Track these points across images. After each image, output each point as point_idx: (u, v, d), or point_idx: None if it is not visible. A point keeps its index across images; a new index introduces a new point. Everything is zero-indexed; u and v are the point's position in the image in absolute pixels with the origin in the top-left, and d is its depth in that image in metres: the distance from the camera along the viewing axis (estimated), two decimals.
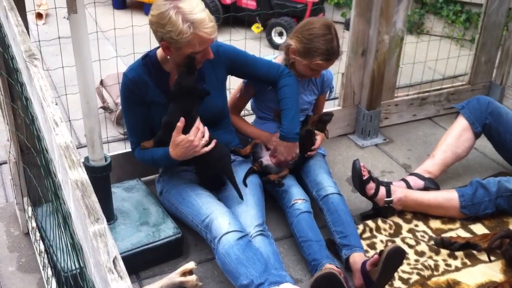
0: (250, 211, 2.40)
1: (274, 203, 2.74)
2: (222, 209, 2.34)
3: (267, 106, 2.83)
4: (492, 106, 2.98)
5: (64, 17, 2.13)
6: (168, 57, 2.34)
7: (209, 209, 2.33)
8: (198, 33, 2.19)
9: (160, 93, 2.41)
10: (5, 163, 3.02)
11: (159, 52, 2.42)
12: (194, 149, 2.29)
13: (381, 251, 2.25)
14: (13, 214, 2.70)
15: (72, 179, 0.81)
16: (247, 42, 3.30)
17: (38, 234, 2.30)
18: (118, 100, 3.45)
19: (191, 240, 2.57)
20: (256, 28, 4.86)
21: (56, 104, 0.96)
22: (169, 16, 2.16)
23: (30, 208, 2.45)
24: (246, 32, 4.59)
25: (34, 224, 2.38)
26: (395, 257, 2.24)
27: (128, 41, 3.19)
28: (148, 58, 2.43)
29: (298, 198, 2.56)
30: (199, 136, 2.29)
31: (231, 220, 2.26)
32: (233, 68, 2.56)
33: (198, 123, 2.31)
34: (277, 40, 4.81)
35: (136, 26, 3.07)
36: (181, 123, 2.26)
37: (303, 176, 2.74)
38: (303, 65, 2.64)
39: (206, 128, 2.35)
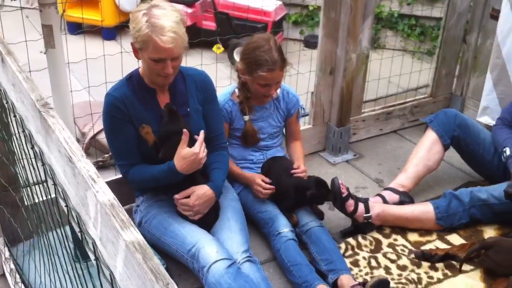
0: (235, 237, 2.39)
1: (251, 228, 2.71)
2: (208, 237, 2.31)
3: (232, 133, 2.84)
4: (460, 118, 3.07)
5: (41, 52, 2.07)
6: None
7: (194, 238, 2.30)
8: (153, 36, 2.19)
9: (147, 113, 2.39)
10: None
11: (141, 70, 2.41)
12: (199, 161, 2.33)
13: (365, 283, 2.29)
14: None
15: (127, 240, 0.78)
16: (209, 63, 3.29)
17: (18, 276, 2.20)
18: (85, 130, 3.38)
19: (175, 270, 2.52)
20: (217, 48, 4.86)
21: (87, 157, 0.93)
22: (138, 15, 2.23)
23: (6, 249, 2.35)
24: (208, 53, 4.61)
25: (12, 266, 2.28)
26: None
27: (88, 68, 3.10)
28: (133, 78, 2.41)
29: (285, 228, 2.57)
30: (203, 149, 2.34)
31: (219, 248, 2.24)
32: (203, 102, 2.56)
33: (201, 136, 2.34)
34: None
35: (92, 53, 3.01)
36: (185, 135, 2.28)
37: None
38: (251, 82, 2.66)
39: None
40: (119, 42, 5.09)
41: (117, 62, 3.02)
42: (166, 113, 2.36)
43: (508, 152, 2.81)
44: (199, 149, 2.32)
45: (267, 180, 2.69)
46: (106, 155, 3.25)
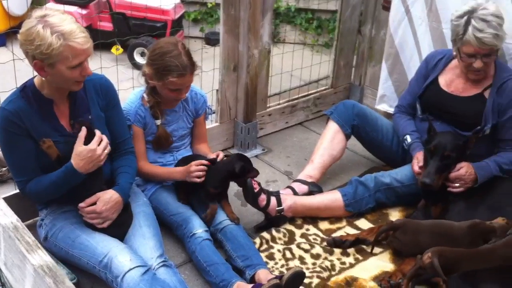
0: (148, 243, 2.34)
1: (164, 231, 2.66)
2: (120, 245, 2.24)
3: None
4: (357, 108, 3.19)
5: None
6: (44, 78, 2.21)
7: (105, 247, 2.22)
8: (70, 43, 2.10)
9: (46, 126, 2.27)
10: None
11: (37, 80, 2.28)
12: (97, 159, 2.25)
13: (281, 276, 2.31)
14: None
15: (35, 264, 0.72)
16: (108, 65, 3.20)
17: None
18: None
19: (86, 283, 2.42)
20: (116, 50, 4.72)
21: None
22: (37, 31, 2.08)
23: None
24: (107, 55, 4.46)
25: None
26: (295, 280, 2.31)
27: None
28: (27, 89, 2.27)
29: (200, 229, 2.55)
30: (101, 146, 2.26)
31: (132, 255, 2.18)
32: (105, 107, 2.48)
33: (99, 133, 2.27)
34: (140, 60, 4.72)
35: None
36: (83, 132, 2.22)
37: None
38: (161, 87, 2.62)
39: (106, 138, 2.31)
40: (9, 49, 4.81)
41: (9, 69, 2.85)
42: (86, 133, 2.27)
43: (409, 140, 2.95)
44: (96, 145, 2.25)
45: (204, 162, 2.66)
46: (4, 169, 3.06)
